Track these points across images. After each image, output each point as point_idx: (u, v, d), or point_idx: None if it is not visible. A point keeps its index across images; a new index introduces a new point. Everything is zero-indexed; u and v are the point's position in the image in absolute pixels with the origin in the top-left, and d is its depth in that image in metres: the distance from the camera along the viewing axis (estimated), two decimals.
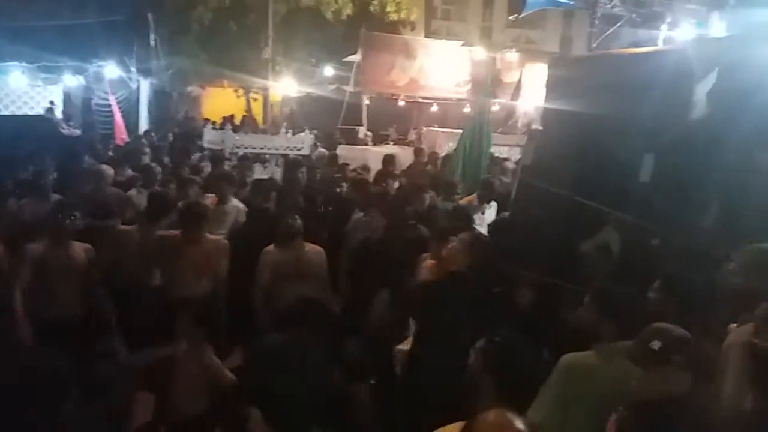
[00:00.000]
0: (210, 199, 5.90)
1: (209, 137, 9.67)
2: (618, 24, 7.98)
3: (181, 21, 17.14)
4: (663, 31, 6.19)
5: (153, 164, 7.35)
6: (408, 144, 14.72)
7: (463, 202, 6.75)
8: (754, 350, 2.46)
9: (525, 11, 8.26)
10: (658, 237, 4.02)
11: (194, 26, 17.50)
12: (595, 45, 8.37)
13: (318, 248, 4.94)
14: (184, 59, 17.65)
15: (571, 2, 9.99)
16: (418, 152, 10.93)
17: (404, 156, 10.61)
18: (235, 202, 5.97)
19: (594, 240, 4.60)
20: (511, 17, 12.84)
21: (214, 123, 15.03)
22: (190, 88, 22.22)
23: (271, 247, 4.82)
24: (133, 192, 6.43)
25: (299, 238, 4.83)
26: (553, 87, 5.05)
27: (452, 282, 3.70)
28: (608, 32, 8.81)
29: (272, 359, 2.98)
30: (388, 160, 8.76)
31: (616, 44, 7.81)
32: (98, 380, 3.46)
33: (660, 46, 5.88)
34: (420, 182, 6.84)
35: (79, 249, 4.47)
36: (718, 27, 4.31)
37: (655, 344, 2.50)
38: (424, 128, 16.38)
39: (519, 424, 1.87)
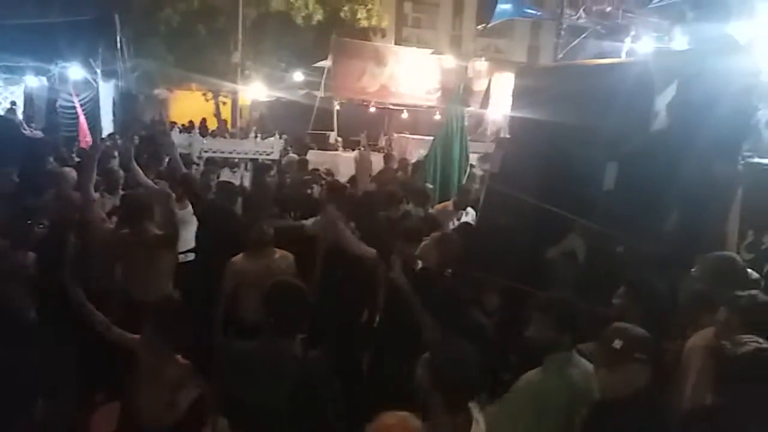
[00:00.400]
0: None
1: (176, 141, 9.51)
2: (583, 35, 8.20)
3: (148, 22, 16.88)
4: (626, 44, 6.37)
5: (116, 168, 7.17)
6: (378, 150, 14.76)
7: (438, 208, 6.80)
8: (718, 354, 2.53)
9: (493, 21, 8.40)
10: (622, 244, 4.11)
11: (162, 28, 17.25)
12: (561, 56, 8.56)
13: (288, 255, 4.90)
14: (151, 61, 17.37)
15: (538, 13, 10.18)
16: (388, 158, 10.99)
17: (374, 162, 10.65)
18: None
19: (560, 247, 4.69)
20: (479, 26, 12.99)
21: (183, 126, 14.80)
22: (157, 91, 21.88)
23: (239, 256, 4.76)
24: (96, 196, 6.28)
25: (269, 246, 4.79)
26: (519, 96, 5.13)
27: (420, 279, 3.74)
28: (574, 43, 9.03)
29: (241, 365, 2.92)
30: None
31: (581, 55, 8.00)
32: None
33: (623, 58, 6.03)
34: (394, 190, 6.85)
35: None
36: (679, 40, 4.47)
37: (617, 343, 2.58)
38: (395, 134, 16.47)
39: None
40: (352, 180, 8.15)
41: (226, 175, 8.55)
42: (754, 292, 2.96)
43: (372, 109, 18.21)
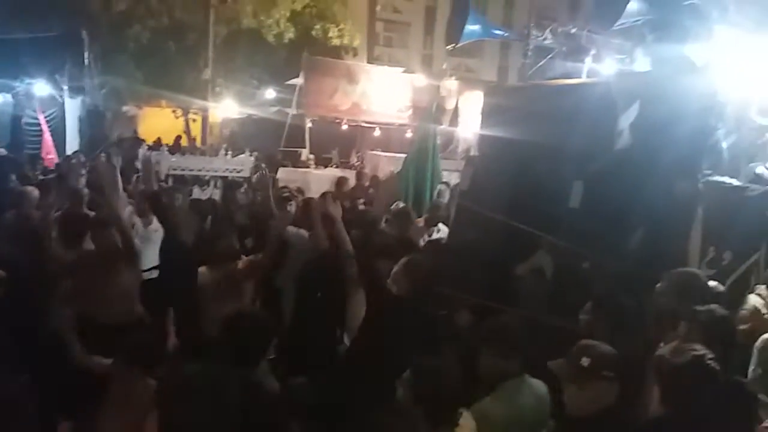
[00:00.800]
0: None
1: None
2: (549, 56, 8.41)
3: (116, 39, 16.68)
4: (587, 64, 6.56)
5: (82, 187, 7.02)
6: (350, 167, 14.77)
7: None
8: (659, 364, 2.60)
9: (461, 42, 8.54)
10: (589, 260, 4.18)
11: (130, 45, 17.08)
12: (528, 75, 8.76)
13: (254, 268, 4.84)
14: (120, 78, 17.16)
15: (506, 34, 10.40)
16: (360, 176, 11.02)
17: (343, 178, 10.67)
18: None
19: (528, 263, 4.74)
20: (447, 47, 13.16)
21: (154, 143, 14.60)
22: (125, 108, 21.59)
23: (203, 268, 4.71)
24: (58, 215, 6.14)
25: (235, 260, 4.74)
26: (488, 115, 5.22)
27: (390, 308, 3.70)
28: (540, 64, 9.28)
29: (184, 390, 2.75)
30: (341, 182, 8.91)
31: (549, 75, 8.19)
32: None
33: (585, 78, 6.20)
34: (370, 210, 6.82)
35: None
36: (640, 62, 4.62)
37: (585, 361, 2.60)
38: (368, 152, 16.52)
39: None
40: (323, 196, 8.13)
41: (195, 193, 8.46)
42: (713, 306, 3.03)
43: (344, 127, 18.24)
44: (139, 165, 9.58)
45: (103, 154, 12.40)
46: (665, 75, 4.10)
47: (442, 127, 14.08)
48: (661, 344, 2.95)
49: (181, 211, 6.22)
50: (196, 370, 2.68)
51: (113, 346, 3.22)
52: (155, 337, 3.16)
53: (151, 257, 5.54)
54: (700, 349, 2.53)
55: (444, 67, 24.55)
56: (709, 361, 2.49)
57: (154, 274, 5.45)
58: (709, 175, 4.26)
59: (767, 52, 4.87)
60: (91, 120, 15.89)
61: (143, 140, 16.43)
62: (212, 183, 9.16)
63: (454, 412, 2.56)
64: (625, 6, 5.36)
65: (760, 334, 3.84)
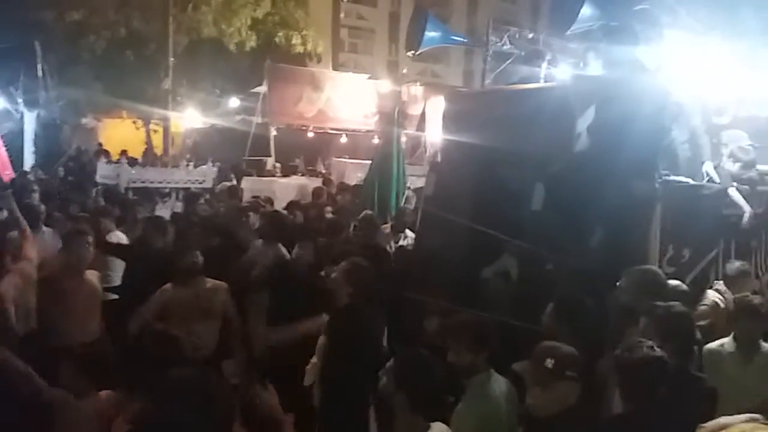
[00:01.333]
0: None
1: (102, 171, 9.14)
2: (509, 61, 8.56)
3: (72, 50, 16.27)
4: (543, 69, 6.69)
5: (38, 203, 6.81)
6: (317, 175, 14.69)
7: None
8: (616, 361, 2.64)
9: (421, 48, 8.60)
10: (552, 261, 4.22)
11: (86, 55, 16.67)
12: (488, 81, 8.89)
13: (221, 284, 4.73)
14: (77, 89, 16.75)
15: (465, 40, 10.54)
16: (326, 183, 10.98)
17: (311, 187, 10.60)
18: (118, 236, 5.69)
19: (494, 266, 4.77)
20: (408, 53, 13.22)
21: (109, 155, 14.23)
22: (84, 120, 21.08)
23: (167, 285, 4.57)
24: (14, 234, 5.93)
25: (200, 275, 4.63)
26: (449, 121, 5.24)
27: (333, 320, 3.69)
28: (500, 69, 9.45)
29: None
30: (318, 192, 8.86)
31: (509, 80, 8.33)
32: None
33: (543, 82, 6.32)
34: (336, 218, 6.76)
35: None
36: (594, 65, 4.72)
37: (549, 362, 2.63)
38: (334, 159, 16.46)
39: None
40: (290, 206, 8.07)
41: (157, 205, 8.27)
42: (673, 303, 3.08)
43: (310, 134, 18.16)
44: (98, 178, 9.37)
45: (60, 168, 12.14)
46: (619, 77, 4.18)
47: (407, 131, 14.17)
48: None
49: (143, 226, 6.10)
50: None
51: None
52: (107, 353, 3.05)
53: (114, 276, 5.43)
54: (652, 345, 2.57)
55: (404, 72, 24.70)
56: (660, 356, 2.53)
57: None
58: (666, 174, 4.35)
59: (717, 53, 5.03)
60: (48, 133, 15.50)
61: (106, 152, 16.10)
62: (173, 195, 8.98)
63: (431, 400, 2.61)
64: (579, 11, 5.48)
65: (720, 329, 3.93)
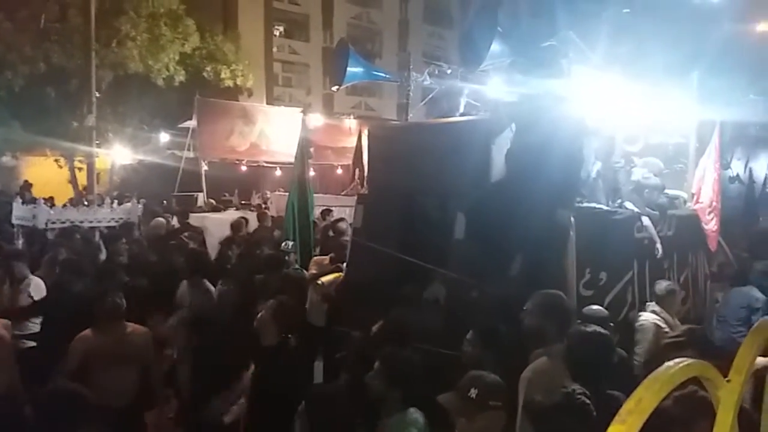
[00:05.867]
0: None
1: (18, 213, 8.63)
2: (429, 96, 8.87)
3: None
4: (462, 102, 6.96)
5: None
6: (251, 208, 14.45)
7: (317, 260, 6.72)
8: (530, 407, 2.68)
9: (344, 83, 8.75)
10: (476, 289, 4.28)
11: (2, 93, 15.90)
12: (411, 115, 9.17)
13: (143, 329, 4.55)
14: None
15: (387, 76, 10.81)
16: (261, 217, 10.80)
17: (248, 221, 10.40)
18: (32, 281, 5.40)
19: (424, 295, 4.79)
20: (332, 88, 13.38)
21: (24, 195, 13.47)
22: (4, 159, 20.04)
23: (87, 331, 4.33)
24: None
25: (121, 320, 4.41)
26: (373, 154, 5.30)
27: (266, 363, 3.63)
28: (422, 103, 9.76)
29: None
30: (237, 225, 8.63)
31: (432, 113, 8.61)
32: None
33: (461, 116, 6.53)
34: (275, 253, 6.62)
35: None
36: (510, 97, 4.92)
37: (473, 392, 2.63)
38: (269, 192, 16.26)
39: None
40: (226, 241, 7.86)
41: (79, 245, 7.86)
42: (592, 327, 3.14)
43: (243, 168, 17.94)
44: (13, 219, 8.86)
45: None
46: (535, 105, 4.33)
47: (343, 163, 14.15)
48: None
49: (59, 269, 5.78)
50: None
51: None
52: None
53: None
54: (575, 388, 2.57)
55: (335, 109, 24.93)
56: (579, 397, 2.52)
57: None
58: (579, 201, 4.52)
59: (623, 86, 5.34)
60: None
61: (26, 190, 15.25)
62: (97, 234, 8.58)
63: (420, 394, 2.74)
64: (488, 49, 5.73)
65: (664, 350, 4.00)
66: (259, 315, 3.84)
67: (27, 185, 17.44)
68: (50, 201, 11.40)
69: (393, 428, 2.92)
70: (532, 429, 2.63)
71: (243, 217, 9.71)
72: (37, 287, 5.54)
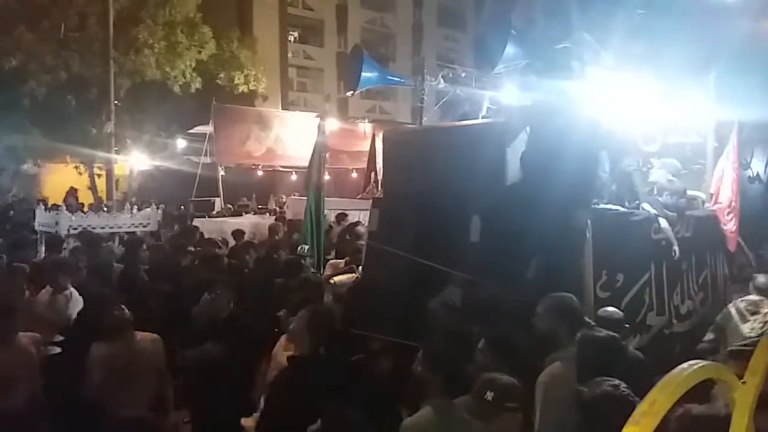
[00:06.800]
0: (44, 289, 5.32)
1: (40, 219, 8.80)
2: (444, 99, 8.88)
3: (9, 96, 15.81)
4: (485, 104, 6.95)
5: None
6: (268, 213, 14.57)
7: (333, 263, 6.74)
8: (577, 398, 2.60)
9: (358, 88, 8.81)
10: (492, 292, 4.27)
11: (25, 101, 16.22)
12: (426, 118, 9.17)
13: (154, 336, 4.44)
14: (15, 135, 16.24)
15: (401, 80, 10.82)
16: (279, 220, 10.91)
17: (265, 225, 10.50)
18: (71, 292, 5.38)
19: (440, 298, 4.80)
20: (347, 93, 13.45)
21: (46, 202, 13.72)
22: (25, 166, 20.41)
23: (99, 343, 4.34)
24: None
25: (129, 328, 4.32)
26: (388, 158, 5.32)
27: (294, 371, 3.59)
28: (437, 106, 9.75)
29: None
30: (274, 229, 8.79)
31: (448, 117, 8.61)
32: None
33: (483, 117, 6.53)
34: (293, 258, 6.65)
35: None
36: (525, 99, 4.91)
37: (489, 395, 2.64)
38: (285, 197, 16.38)
39: None
40: (245, 246, 7.90)
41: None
42: (600, 331, 3.13)
43: (260, 173, 18.10)
44: (36, 226, 9.01)
45: None
46: (550, 106, 4.33)
47: (358, 167, 14.20)
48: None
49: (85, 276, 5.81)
50: None
51: None
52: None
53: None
54: (615, 381, 2.54)
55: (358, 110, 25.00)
56: (625, 390, 2.48)
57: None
58: (595, 203, 4.49)
59: (639, 86, 5.31)
60: None
61: (42, 200, 15.50)
62: (116, 240, 8.71)
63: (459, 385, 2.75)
64: (502, 52, 5.72)
65: None
66: (292, 326, 3.78)
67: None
68: (81, 207, 11.56)
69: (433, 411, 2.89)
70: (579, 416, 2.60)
71: (276, 224, 9.85)
72: (76, 300, 5.33)
